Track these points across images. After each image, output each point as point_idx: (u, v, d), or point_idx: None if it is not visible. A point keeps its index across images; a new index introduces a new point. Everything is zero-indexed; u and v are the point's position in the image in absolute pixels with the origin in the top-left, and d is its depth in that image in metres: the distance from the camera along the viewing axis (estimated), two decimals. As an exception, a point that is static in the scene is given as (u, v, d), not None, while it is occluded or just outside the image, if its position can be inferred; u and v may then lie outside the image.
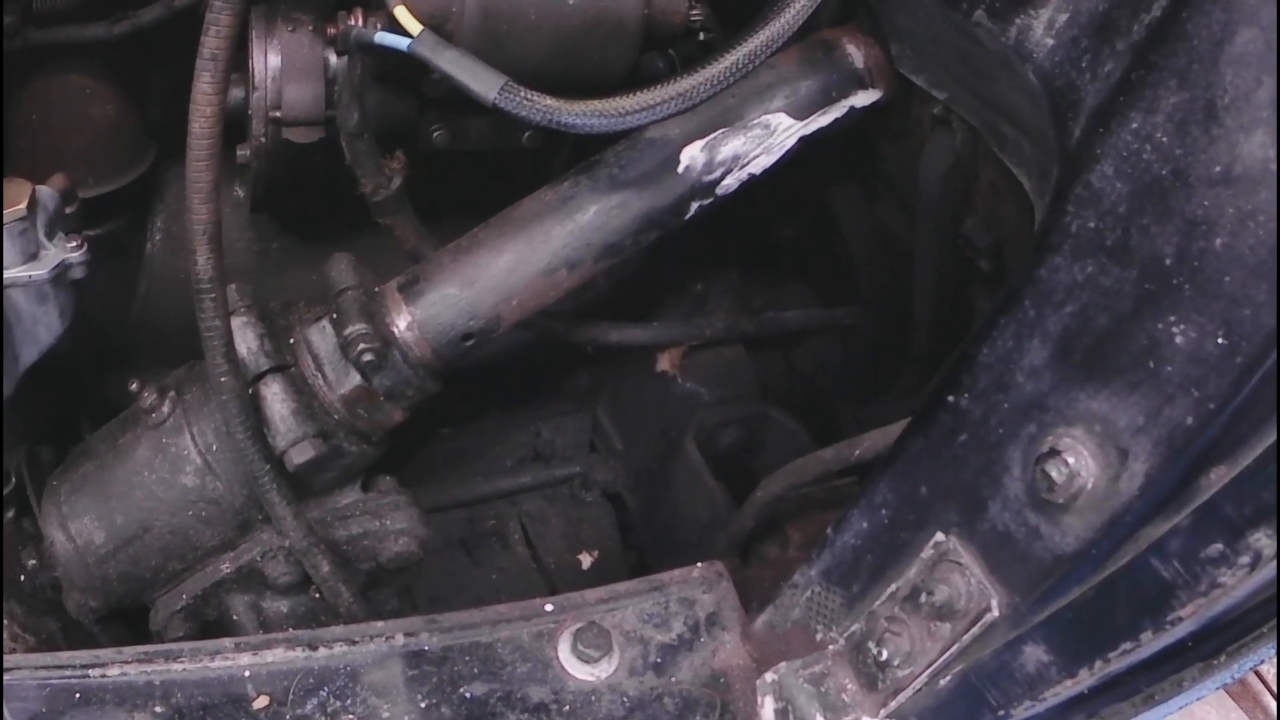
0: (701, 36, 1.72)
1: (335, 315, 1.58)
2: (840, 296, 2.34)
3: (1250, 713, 3.19)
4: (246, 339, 1.57)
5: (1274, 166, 1.03)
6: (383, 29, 1.45)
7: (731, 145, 1.60)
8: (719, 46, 1.47)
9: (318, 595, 1.66)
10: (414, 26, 1.40)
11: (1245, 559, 1.10)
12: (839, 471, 1.72)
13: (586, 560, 2.36)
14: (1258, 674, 3.21)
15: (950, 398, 1.31)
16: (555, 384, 2.52)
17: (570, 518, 2.41)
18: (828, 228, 2.20)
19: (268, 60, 1.66)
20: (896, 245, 1.96)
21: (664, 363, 2.29)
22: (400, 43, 1.40)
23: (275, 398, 1.56)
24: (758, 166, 1.63)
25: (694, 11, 1.68)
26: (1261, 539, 1.08)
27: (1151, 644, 1.19)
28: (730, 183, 1.62)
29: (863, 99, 1.66)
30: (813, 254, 2.36)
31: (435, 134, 1.73)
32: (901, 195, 1.84)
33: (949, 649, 1.31)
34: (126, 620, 1.75)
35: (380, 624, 1.43)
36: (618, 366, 2.45)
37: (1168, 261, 1.11)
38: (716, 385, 2.29)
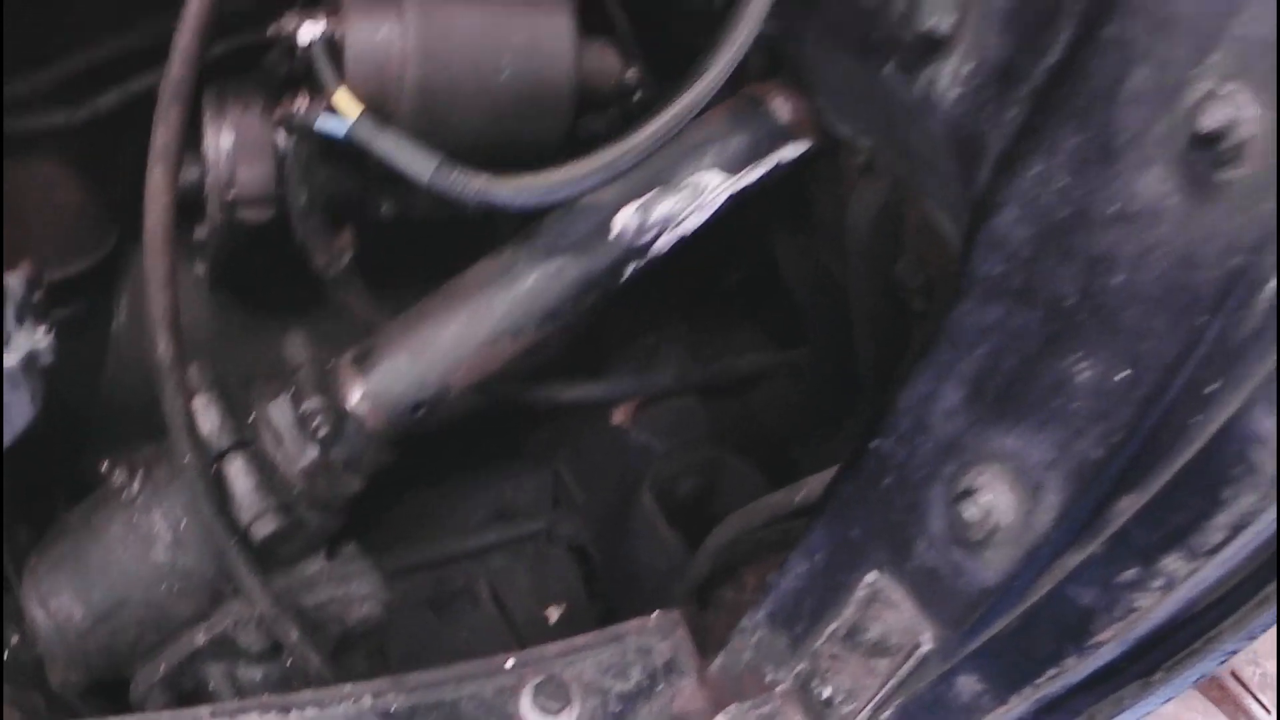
0: (638, 97, 1.75)
1: (292, 391, 1.63)
2: (795, 338, 2.38)
3: (1233, 717, 3.21)
4: (209, 418, 1.61)
5: (1170, 201, 1.07)
6: (326, 110, 1.50)
7: (663, 206, 1.64)
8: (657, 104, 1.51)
9: (290, 661, 1.70)
10: (353, 110, 1.45)
11: (1159, 583, 1.14)
12: (789, 514, 1.76)
13: (554, 614, 2.39)
14: (1237, 677, 3.23)
15: (875, 442, 1.35)
16: (516, 442, 2.55)
17: (537, 573, 2.44)
18: (774, 273, 2.24)
19: (220, 141, 1.70)
20: (838, 287, 2.00)
21: (618, 417, 2.33)
22: (340, 127, 1.46)
23: (238, 473, 1.61)
24: (690, 225, 1.67)
25: (628, 73, 1.73)
26: (1173, 562, 1.13)
27: (1077, 669, 1.24)
28: (664, 243, 1.66)
29: (791, 151, 1.70)
30: (763, 298, 2.41)
31: (383, 206, 1.78)
32: (838, 239, 1.88)
33: (887, 683, 1.35)
34: (108, 694, 1.77)
35: (349, 686, 1.46)
36: (576, 422, 2.49)
37: (1071, 300, 1.16)
38: (670, 436, 2.33)
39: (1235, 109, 1.01)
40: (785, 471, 2.28)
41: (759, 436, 2.48)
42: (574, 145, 1.52)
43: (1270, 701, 3.21)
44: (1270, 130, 1.00)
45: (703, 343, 2.45)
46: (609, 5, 1.89)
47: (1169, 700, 1.37)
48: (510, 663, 1.51)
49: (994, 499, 1.22)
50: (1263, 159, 1.01)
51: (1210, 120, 1.02)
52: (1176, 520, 1.12)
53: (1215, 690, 3.17)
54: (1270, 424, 1.06)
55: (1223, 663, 1.29)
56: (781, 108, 1.71)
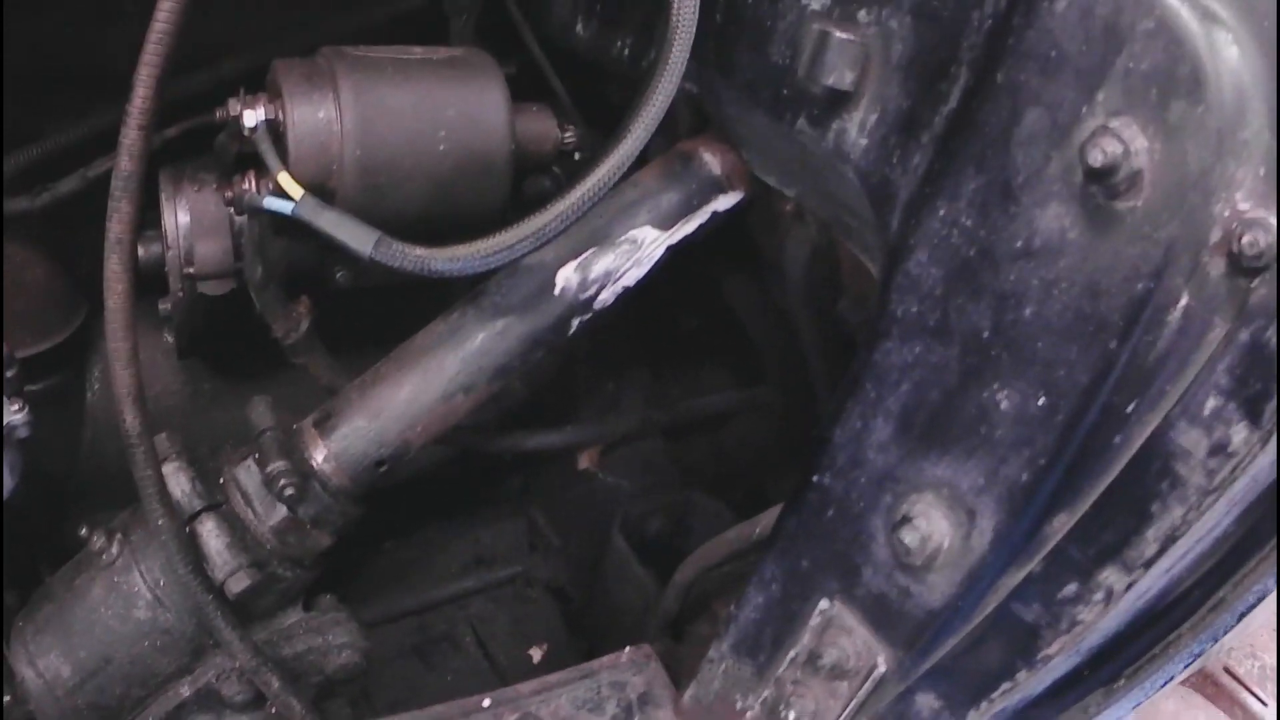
0: (577, 156, 1.81)
1: (258, 455, 1.67)
2: (757, 375, 2.43)
3: (1230, 712, 3.22)
4: (179, 482, 1.67)
5: (1071, 235, 1.12)
6: (272, 191, 1.54)
7: (602, 263, 1.69)
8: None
9: (274, 710, 1.73)
10: (296, 191, 1.50)
11: (1098, 595, 1.19)
12: (749, 548, 1.80)
13: (537, 654, 2.42)
14: (1231, 673, 3.23)
15: (815, 477, 1.40)
16: (491, 491, 2.60)
17: (517, 615, 2.48)
18: (731, 315, 2.28)
19: (178, 219, 1.76)
20: (791, 324, 2.04)
21: (584, 461, 2.38)
22: (285, 207, 1.50)
23: (210, 534, 1.66)
24: (630, 279, 1.72)
25: (566, 135, 1.78)
26: (1110, 576, 1.17)
27: (1030, 682, 1.28)
28: (606, 297, 1.71)
29: (724, 203, 1.75)
30: (722, 340, 2.45)
31: (339, 275, 1.83)
32: (783, 280, 1.92)
33: (849, 705, 1.39)
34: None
35: (331, 732, 1.51)
36: (548, 469, 2.53)
37: (985, 335, 1.20)
38: (638, 477, 2.39)
39: (1125, 141, 1.06)
40: (757, 505, 2.32)
41: (731, 473, 2.53)
42: (524, 205, 1.56)
43: (1266, 695, 3.21)
44: (1161, 158, 1.05)
45: (665, 386, 2.49)
46: (545, 72, 1.95)
47: (1138, 705, 1.40)
48: (487, 702, 1.56)
49: (931, 525, 1.27)
50: (1155, 187, 1.06)
51: (1102, 154, 1.06)
52: (1109, 536, 1.16)
53: (1210, 687, 3.18)
54: (1192, 437, 1.10)
55: (1189, 665, 1.32)
56: (712, 161, 1.76)
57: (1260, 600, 1.24)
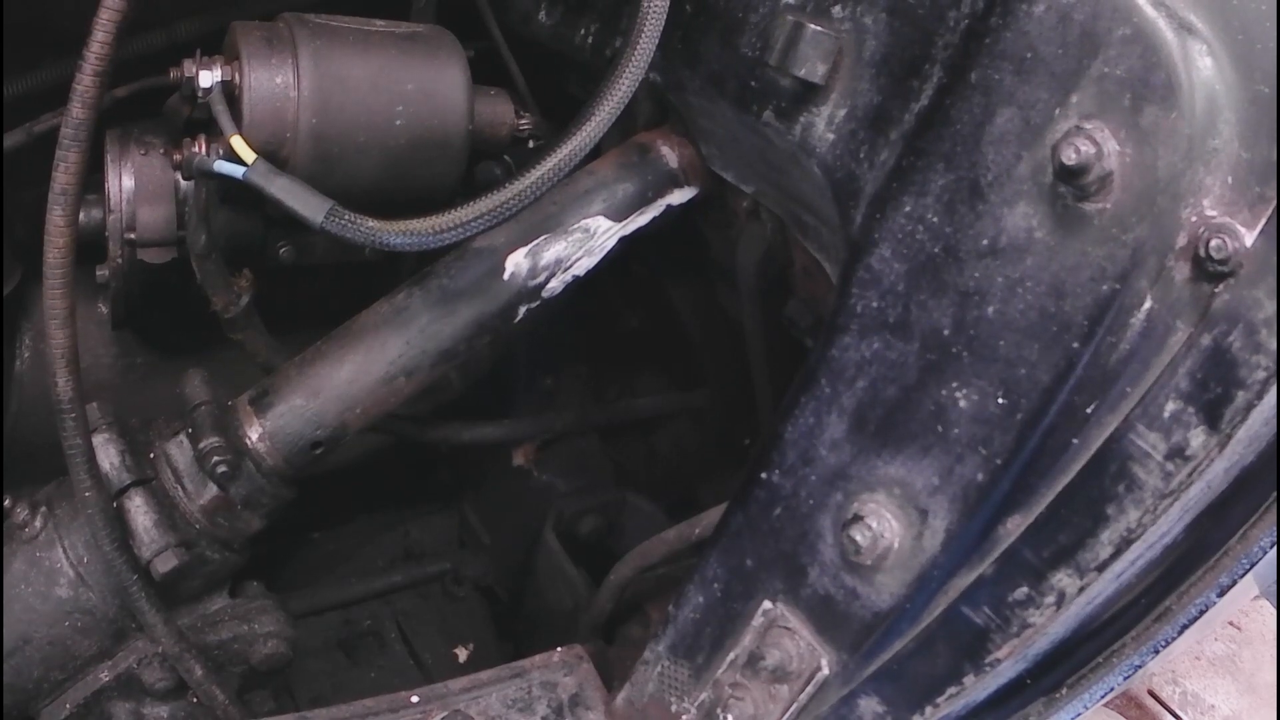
0: (531, 144, 1.79)
1: (191, 430, 1.64)
2: (694, 379, 2.42)
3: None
4: (109, 455, 1.62)
5: (1038, 234, 1.13)
6: (223, 156, 1.51)
7: (553, 250, 1.68)
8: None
9: (196, 700, 1.69)
10: (249, 155, 1.47)
11: (1050, 599, 1.19)
12: (688, 549, 1.78)
13: (463, 654, 2.40)
14: (1155, 696, 3.26)
15: (763, 474, 1.39)
16: (421, 483, 2.57)
17: (444, 613, 2.45)
18: (672, 316, 2.28)
19: (122, 183, 1.72)
20: (735, 328, 2.04)
21: (519, 457, 2.35)
22: (236, 171, 1.47)
23: (138, 510, 1.61)
24: (580, 269, 1.71)
25: (522, 122, 1.76)
26: (1063, 579, 1.17)
27: (976, 687, 1.27)
28: (555, 286, 1.70)
29: (679, 197, 1.76)
30: (662, 341, 2.44)
31: (282, 250, 1.79)
32: (732, 281, 1.92)
33: (789, 709, 1.37)
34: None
35: (254, 723, 1.48)
36: (479, 463, 2.51)
37: (946, 332, 1.21)
38: (572, 475, 2.36)
39: (1098, 143, 1.08)
40: (689, 509, 2.31)
41: (662, 476, 2.52)
42: (473, 191, 1.54)
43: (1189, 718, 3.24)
44: (1132, 162, 1.07)
45: (603, 385, 2.48)
46: (504, 58, 1.93)
47: (1078, 717, 1.39)
48: (415, 698, 1.52)
49: (882, 525, 1.26)
50: (1125, 190, 1.08)
51: (1074, 155, 1.08)
52: (1063, 538, 1.16)
53: (1134, 709, 3.20)
54: (1150, 440, 1.10)
55: (1128, 677, 1.32)
56: (669, 155, 1.76)
57: (1202, 613, 1.24)
